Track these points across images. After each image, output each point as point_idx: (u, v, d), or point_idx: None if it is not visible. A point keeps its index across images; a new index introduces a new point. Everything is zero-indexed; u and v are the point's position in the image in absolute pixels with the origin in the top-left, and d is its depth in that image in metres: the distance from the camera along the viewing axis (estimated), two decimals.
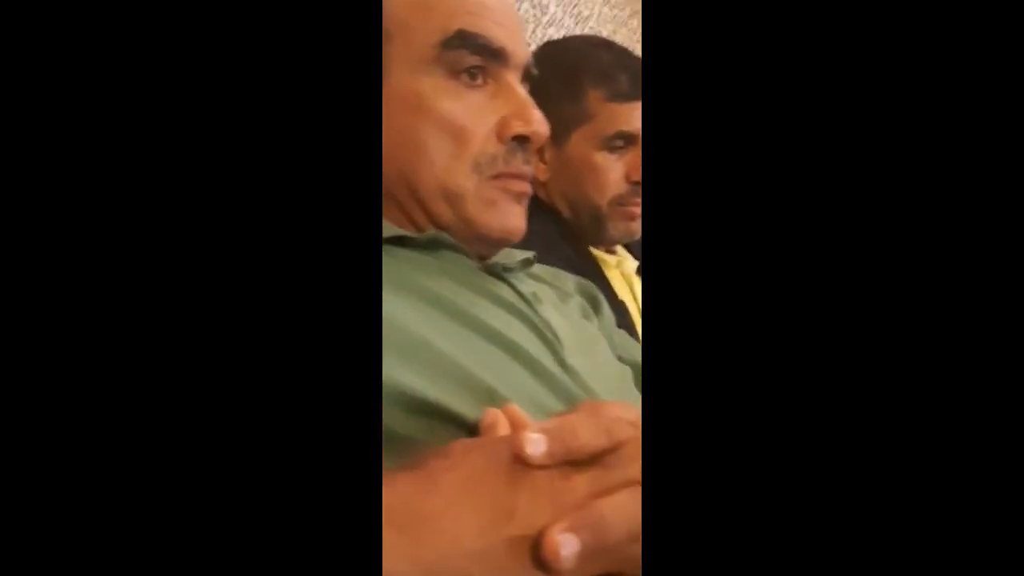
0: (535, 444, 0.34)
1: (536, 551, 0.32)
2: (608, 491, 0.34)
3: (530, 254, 0.69)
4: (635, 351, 0.77)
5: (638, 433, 0.35)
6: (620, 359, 0.72)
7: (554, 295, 0.71)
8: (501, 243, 0.62)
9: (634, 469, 0.34)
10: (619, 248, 1.22)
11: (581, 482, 0.34)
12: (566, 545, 0.32)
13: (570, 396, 0.54)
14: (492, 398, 0.48)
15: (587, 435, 0.35)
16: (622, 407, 0.38)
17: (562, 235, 1.12)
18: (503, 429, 0.43)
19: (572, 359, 0.58)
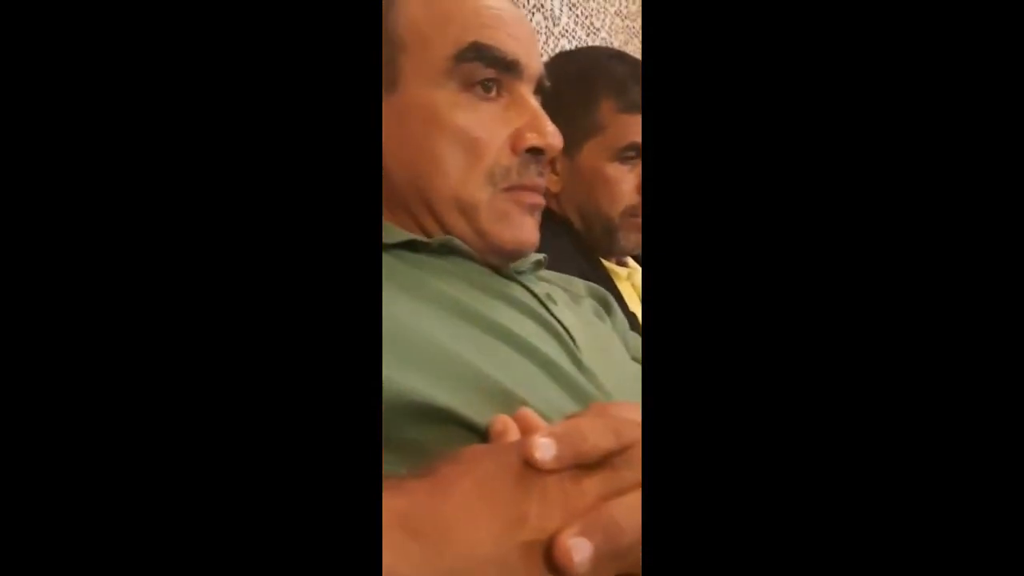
0: (544, 449, 0.34)
1: (549, 556, 0.33)
2: (618, 493, 0.34)
3: (541, 256, 0.69)
4: None
5: None
6: (635, 360, 0.72)
7: (567, 296, 0.71)
8: (514, 255, 0.63)
9: None
10: (630, 260, 1.23)
11: (591, 485, 0.34)
12: (579, 549, 0.32)
13: (586, 396, 0.54)
14: (508, 400, 0.48)
15: (595, 437, 0.35)
16: (630, 408, 0.38)
17: (573, 246, 1.12)
18: (513, 435, 0.43)
19: (588, 359, 0.58)
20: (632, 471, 0.35)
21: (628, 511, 0.33)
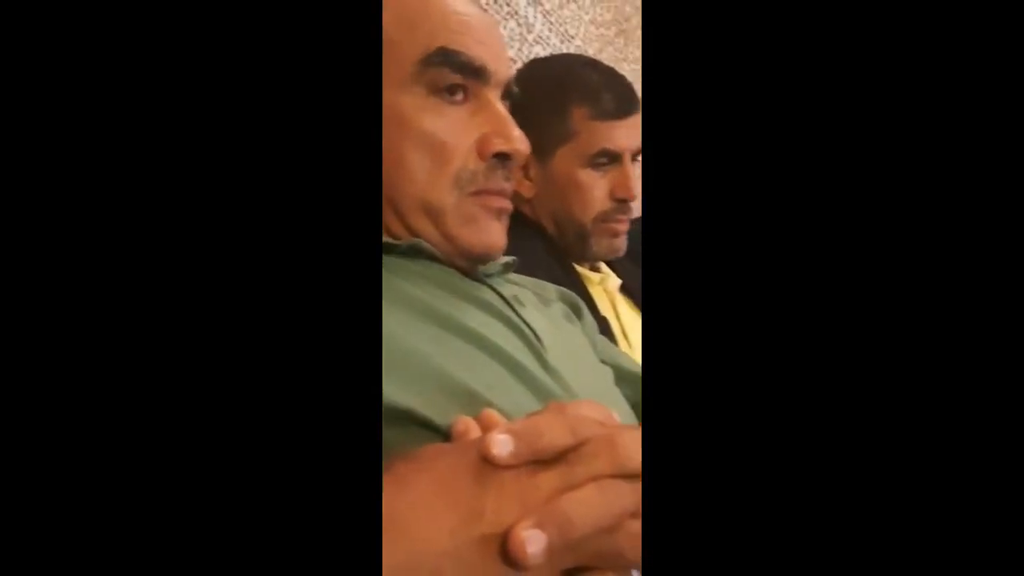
0: (501, 445, 0.35)
1: (504, 548, 0.33)
2: (572, 487, 0.35)
3: (510, 259, 0.70)
4: (619, 355, 0.78)
5: (603, 430, 0.37)
6: (603, 363, 0.73)
7: (536, 299, 0.72)
8: (482, 259, 0.64)
9: (598, 465, 0.35)
10: (603, 266, 1.24)
11: (547, 480, 0.35)
12: (533, 541, 0.33)
13: (552, 397, 0.54)
14: (473, 401, 0.49)
15: (552, 434, 0.36)
16: (588, 406, 0.39)
17: (547, 251, 1.13)
18: (475, 435, 0.44)
19: (554, 360, 0.58)
20: (586, 466, 0.35)
21: (581, 505, 0.34)
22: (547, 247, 1.14)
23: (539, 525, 0.33)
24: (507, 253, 0.66)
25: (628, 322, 1.16)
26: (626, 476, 0.35)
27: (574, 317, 0.77)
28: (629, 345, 1.12)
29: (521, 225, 1.11)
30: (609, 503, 0.35)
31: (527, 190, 1.15)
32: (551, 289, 0.80)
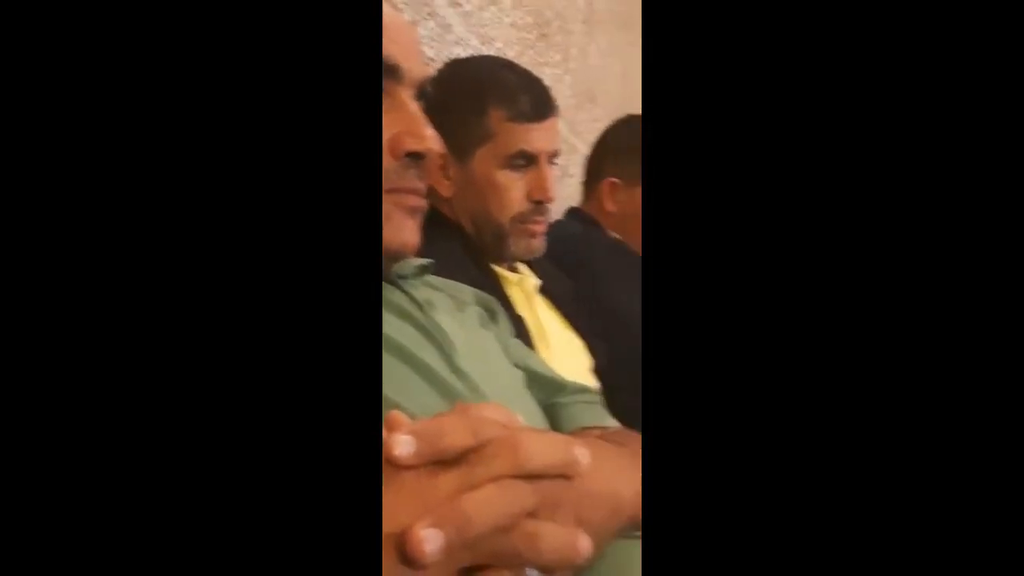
0: (403, 445, 0.35)
1: (401, 546, 0.33)
2: (471, 487, 0.35)
3: (427, 261, 0.70)
4: (530, 359, 0.79)
5: (504, 432, 0.37)
6: (516, 366, 0.73)
7: (450, 303, 0.72)
8: (396, 256, 0.63)
9: (497, 465, 0.36)
10: (521, 266, 1.24)
11: (447, 480, 0.35)
12: (430, 540, 0.33)
13: (461, 399, 0.54)
14: (382, 404, 0.48)
15: (454, 435, 0.36)
16: (492, 408, 0.39)
17: (465, 251, 1.14)
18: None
19: (464, 363, 0.59)
20: (485, 467, 0.36)
21: (479, 504, 0.34)
22: (465, 247, 1.15)
23: (437, 524, 0.33)
24: (425, 252, 0.66)
25: (546, 322, 1.17)
26: (526, 477, 0.36)
27: (489, 321, 0.78)
28: (547, 345, 1.13)
29: (440, 225, 1.11)
30: (508, 503, 0.35)
31: (446, 190, 1.15)
32: (468, 292, 0.80)
